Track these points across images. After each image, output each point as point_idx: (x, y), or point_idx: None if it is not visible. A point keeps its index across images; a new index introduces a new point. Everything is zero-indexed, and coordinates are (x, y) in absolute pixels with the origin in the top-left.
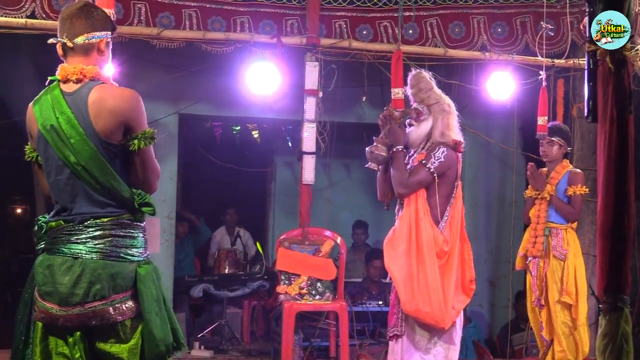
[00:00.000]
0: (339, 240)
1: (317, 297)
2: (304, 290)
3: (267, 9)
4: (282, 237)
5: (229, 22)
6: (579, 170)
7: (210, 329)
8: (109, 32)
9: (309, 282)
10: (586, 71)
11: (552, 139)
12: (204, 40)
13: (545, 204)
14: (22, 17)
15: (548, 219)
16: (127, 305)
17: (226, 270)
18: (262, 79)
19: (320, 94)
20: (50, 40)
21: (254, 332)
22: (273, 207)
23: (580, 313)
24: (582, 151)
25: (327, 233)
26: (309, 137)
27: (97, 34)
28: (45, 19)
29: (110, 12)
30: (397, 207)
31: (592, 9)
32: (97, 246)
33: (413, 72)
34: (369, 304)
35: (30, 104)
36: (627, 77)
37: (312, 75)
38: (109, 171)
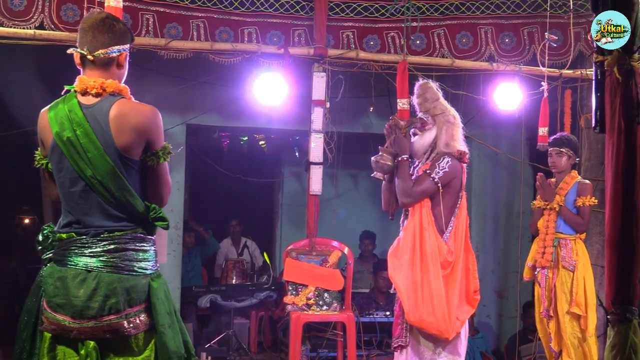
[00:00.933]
0: (346, 250)
1: (325, 307)
2: (312, 301)
3: (274, 19)
4: (289, 248)
5: (236, 33)
6: (587, 181)
7: (217, 340)
8: (128, 45)
9: (316, 292)
10: (594, 82)
11: (561, 149)
12: (211, 50)
13: (554, 215)
14: (30, 28)
15: (557, 230)
16: (140, 318)
17: (233, 281)
18: (269, 90)
19: (328, 105)
20: (70, 50)
21: (261, 342)
22: (280, 218)
23: (589, 324)
24: (589, 162)
25: (335, 243)
26: (316, 147)
27: (118, 47)
28: (53, 30)
29: None
30: (402, 218)
31: None
32: (112, 260)
33: (420, 81)
34: (377, 314)
35: (44, 110)
36: (635, 87)
37: (319, 85)
38: (125, 186)
